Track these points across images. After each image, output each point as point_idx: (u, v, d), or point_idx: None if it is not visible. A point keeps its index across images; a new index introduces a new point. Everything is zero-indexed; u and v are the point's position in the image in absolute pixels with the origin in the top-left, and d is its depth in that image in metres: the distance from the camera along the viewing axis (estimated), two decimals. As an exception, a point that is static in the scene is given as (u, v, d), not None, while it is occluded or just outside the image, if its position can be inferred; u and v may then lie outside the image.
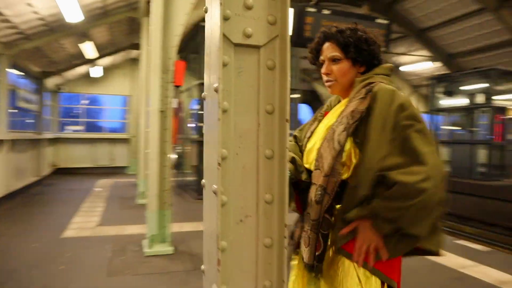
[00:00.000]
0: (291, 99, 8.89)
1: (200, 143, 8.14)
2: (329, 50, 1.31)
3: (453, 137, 11.69)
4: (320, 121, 1.41)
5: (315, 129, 1.39)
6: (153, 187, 4.11)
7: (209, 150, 1.08)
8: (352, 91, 1.30)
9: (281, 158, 1.05)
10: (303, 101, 8.93)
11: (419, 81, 16.06)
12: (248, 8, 1.02)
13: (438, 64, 14.84)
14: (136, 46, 10.50)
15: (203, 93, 1.16)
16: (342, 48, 1.29)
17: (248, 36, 1.02)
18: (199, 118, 8.19)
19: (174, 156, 7.85)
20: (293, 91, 9.02)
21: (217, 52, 0.98)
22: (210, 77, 1.07)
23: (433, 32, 13.20)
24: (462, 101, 11.65)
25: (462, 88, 11.59)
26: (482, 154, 10.13)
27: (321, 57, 1.35)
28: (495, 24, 11.49)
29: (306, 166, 1.36)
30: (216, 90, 0.98)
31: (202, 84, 8.15)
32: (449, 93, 11.67)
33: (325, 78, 1.34)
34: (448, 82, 11.66)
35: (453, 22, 12.25)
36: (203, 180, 1.15)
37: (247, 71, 1.04)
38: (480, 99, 10.54)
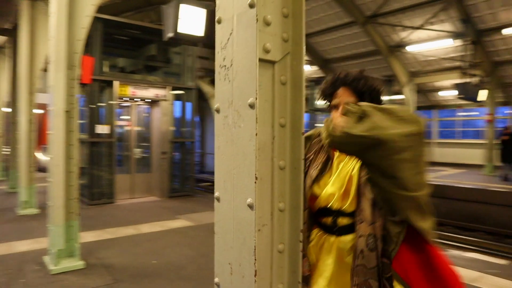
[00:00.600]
0: (178, 95, 8.95)
1: (92, 144, 7.44)
2: (345, 95, 1.37)
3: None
4: (328, 155, 1.45)
5: (325, 164, 1.44)
6: (58, 196, 3.65)
7: (232, 163, 1.10)
8: None
9: (293, 168, 1.13)
10: (188, 99, 9.15)
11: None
12: (267, 24, 1.06)
13: (315, 68, 16.49)
14: (3, 32, 8.98)
15: (216, 105, 1.16)
16: (358, 95, 1.36)
17: (267, 51, 1.06)
18: (90, 115, 7.47)
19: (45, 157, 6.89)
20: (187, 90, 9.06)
21: (253, 67, 1.01)
22: (233, 90, 1.09)
23: (312, 39, 14.59)
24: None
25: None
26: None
27: (336, 100, 1.39)
28: (363, 36, 13.33)
29: (324, 202, 1.40)
30: (251, 106, 1.01)
31: (101, 81, 7.45)
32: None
33: None
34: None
35: (329, 31, 13.78)
36: (216, 193, 1.15)
37: (264, 85, 1.08)
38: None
